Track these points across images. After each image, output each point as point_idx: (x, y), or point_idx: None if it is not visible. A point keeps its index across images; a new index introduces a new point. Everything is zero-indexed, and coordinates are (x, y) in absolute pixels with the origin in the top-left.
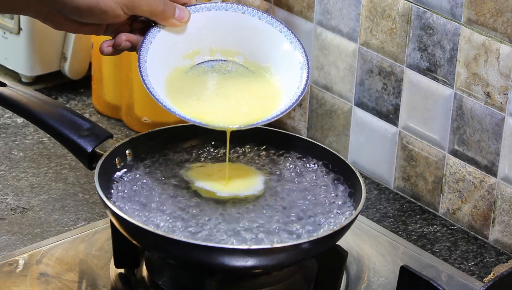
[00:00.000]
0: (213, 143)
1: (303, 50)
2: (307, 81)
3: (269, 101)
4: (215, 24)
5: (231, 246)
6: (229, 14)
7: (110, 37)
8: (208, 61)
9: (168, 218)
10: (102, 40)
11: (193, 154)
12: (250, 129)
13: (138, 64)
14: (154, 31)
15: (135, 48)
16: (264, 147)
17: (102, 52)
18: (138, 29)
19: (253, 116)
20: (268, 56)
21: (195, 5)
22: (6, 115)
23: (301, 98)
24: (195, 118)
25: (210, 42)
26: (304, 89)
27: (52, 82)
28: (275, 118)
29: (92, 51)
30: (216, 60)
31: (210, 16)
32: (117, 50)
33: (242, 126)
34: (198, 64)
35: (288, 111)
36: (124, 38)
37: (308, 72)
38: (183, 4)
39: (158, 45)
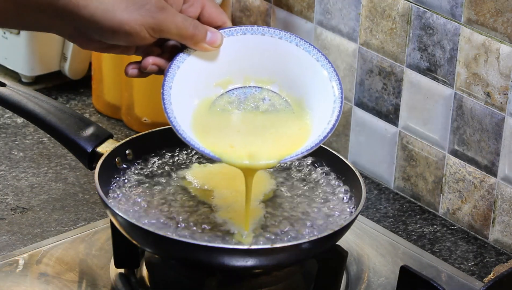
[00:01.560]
0: None
1: (339, 82)
2: (338, 116)
3: (297, 138)
4: (249, 49)
5: (231, 246)
6: (265, 39)
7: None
8: (241, 87)
9: (168, 218)
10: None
11: (194, 155)
12: None
13: (162, 90)
14: (182, 55)
15: (163, 72)
16: None
17: (126, 74)
18: (168, 51)
19: (278, 154)
20: (303, 85)
21: (229, 28)
22: (6, 115)
23: (330, 134)
24: (216, 154)
25: (243, 69)
26: (334, 125)
27: (52, 82)
28: (301, 156)
29: (92, 51)
30: (250, 86)
31: (245, 40)
32: (143, 73)
33: (265, 162)
34: (231, 90)
35: (315, 148)
36: (151, 61)
37: (340, 107)
38: (217, 27)
39: (187, 71)
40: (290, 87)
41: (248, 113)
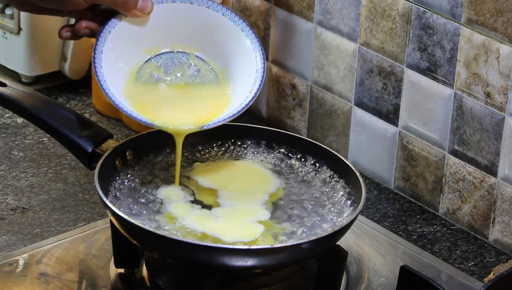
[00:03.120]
0: (214, 143)
1: (262, 53)
2: (260, 85)
3: (219, 106)
4: (178, 17)
5: (231, 246)
6: (194, 7)
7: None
8: (169, 52)
9: (168, 218)
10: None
11: (194, 154)
12: (248, 128)
13: (93, 54)
14: (114, 21)
15: (95, 35)
16: (264, 147)
17: (60, 36)
18: (100, 15)
19: (203, 119)
20: (228, 55)
21: None
22: (6, 115)
23: (251, 103)
24: (149, 119)
25: (172, 36)
26: (256, 94)
27: (52, 82)
28: (223, 122)
29: (92, 51)
30: (177, 52)
31: (174, 8)
32: (76, 35)
33: (192, 127)
34: (159, 55)
35: (237, 115)
36: (84, 25)
37: (262, 77)
38: None
39: (118, 36)
40: (216, 55)
41: (174, 81)
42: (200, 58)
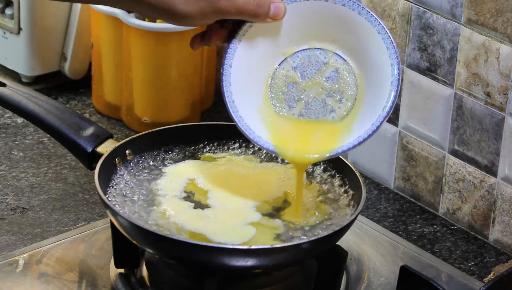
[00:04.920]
0: (215, 142)
1: (398, 61)
2: (393, 102)
3: (348, 124)
4: (312, 15)
5: (231, 246)
6: (328, 4)
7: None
8: (306, 49)
9: (168, 217)
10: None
11: (194, 154)
12: None
13: (221, 70)
14: (244, 28)
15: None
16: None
17: (192, 48)
18: (230, 23)
19: (329, 145)
20: (365, 59)
21: None
22: (6, 115)
23: (382, 124)
24: (276, 147)
25: (307, 35)
26: (388, 112)
27: (52, 82)
28: (352, 148)
29: (92, 51)
30: (315, 48)
31: (308, 6)
32: (208, 45)
33: (317, 157)
34: (296, 53)
35: (364, 141)
36: (214, 36)
37: (396, 92)
38: None
39: (249, 44)
40: (354, 57)
41: (309, 84)
42: (340, 57)
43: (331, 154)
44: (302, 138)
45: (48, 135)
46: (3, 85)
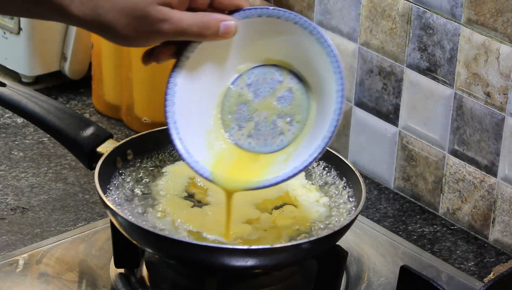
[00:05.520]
0: None
1: (342, 87)
2: (333, 132)
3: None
4: (265, 32)
5: (231, 246)
6: (281, 22)
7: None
8: (261, 66)
9: (168, 218)
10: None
11: None
12: None
13: (164, 102)
14: (193, 45)
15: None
16: None
17: (144, 64)
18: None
19: (259, 178)
20: (316, 80)
21: (245, 10)
22: (6, 115)
23: (320, 155)
24: (206, 173)
25: (261, 52)
26: (327, 143)
27: (52, 82)
28: (280, 182)
29: (92, 51)
30: (271, 65)
31: (261, 23)
32: (157, 62)
33: (242, 187)
34: (251, 70)
35: (296, 175)
36: (163, 54)
37: (337, 121)
38: (233, 10)
39: (197, 63)
40: (306, 75)
41: (262, 103)
42: (295, 76)
43: (261, 185)
44: (240, 165)
45: (48, 135)
46: (3, 85)
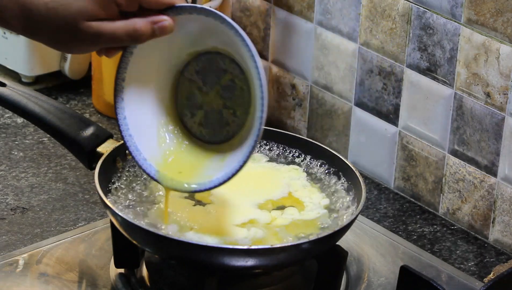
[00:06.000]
0: None
1: (260, 83)
2: (257, 136)
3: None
4: (197, 29)
5: (231, 246)
6: (210, 20)
7: None
8: (208, 53)
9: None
10: None
11: None
12: None
13: (114, 82)
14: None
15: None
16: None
17: (99, 55)
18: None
19: (200, 180)
20: (250, 80)
21: (177, 6)
22: (6, 115)
23: (247, 160)
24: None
25: (207, 40)
26: (253, 147)
27: (52, 82)
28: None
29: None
30: (215, 53)
31: (193, 19)
32: (108, 57)
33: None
34: (198, 57)
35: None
36: (112, 50)
37: (260, 124)
38: (167, 8)
39: (141, 59)
40: (244, 66)
41: (211, 93)
42: (237, 65)
43: (198, 189)
44: (184, 164)
45: (48, 135)
46: (3, 85)
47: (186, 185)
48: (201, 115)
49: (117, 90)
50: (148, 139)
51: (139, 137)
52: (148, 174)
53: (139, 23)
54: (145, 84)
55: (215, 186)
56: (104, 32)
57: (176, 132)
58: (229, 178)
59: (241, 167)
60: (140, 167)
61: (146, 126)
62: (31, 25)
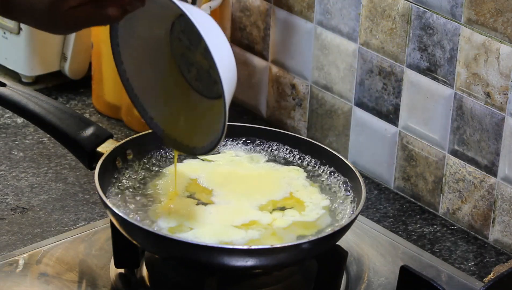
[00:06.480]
0: None
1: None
2: (221, 136)
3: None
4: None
5: (231, 246)
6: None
7: None
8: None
9: (168, 217)
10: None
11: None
12: (248, 128)
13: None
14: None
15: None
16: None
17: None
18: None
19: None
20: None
21: None
22: (6, 115)
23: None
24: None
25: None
26: (222, 132)
27: (52, 82)
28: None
29: (92, 51)
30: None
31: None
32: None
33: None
34: (182, 16)
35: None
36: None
37: (222, 131)
38: None
39: (130, 22)
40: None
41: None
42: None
43: (202, 152)
44: (191, 123)
45: (48, 135)
46: (3, 85)
47: (190, 150)
48: (195, 72)
49: (115, 54)
50: (154, 98)
51: (144, 97)
52: (157, 132)
53: (110, 6)
54: (139, 47)
55: (211, 149)
56: (78, 19)
57: (179, 89)
58: (218, 141)
59: (222, 132)
60: (148, 125)
61: (150, 87)
62: (9, 10)
